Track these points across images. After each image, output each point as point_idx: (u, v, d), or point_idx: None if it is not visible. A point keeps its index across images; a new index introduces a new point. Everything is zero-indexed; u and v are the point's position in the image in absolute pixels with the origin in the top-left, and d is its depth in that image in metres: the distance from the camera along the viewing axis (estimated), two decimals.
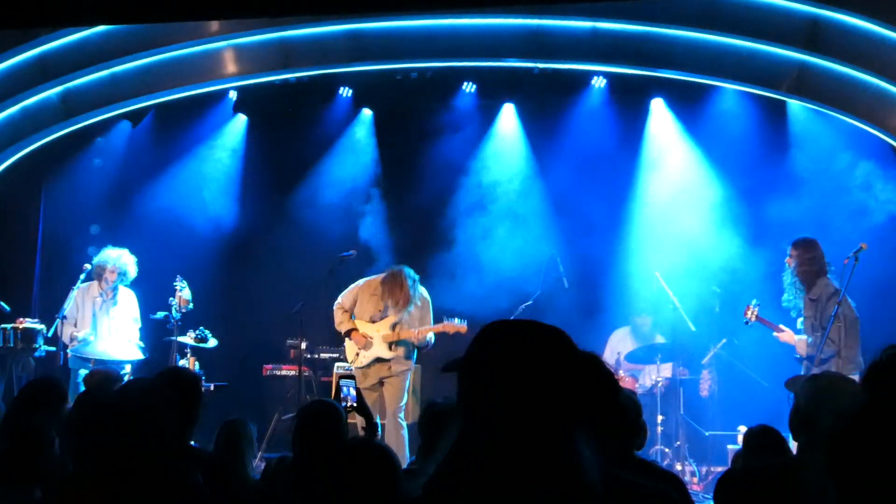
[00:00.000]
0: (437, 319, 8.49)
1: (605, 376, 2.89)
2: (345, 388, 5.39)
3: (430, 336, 8.43)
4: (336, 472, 2.84)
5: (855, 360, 7.41)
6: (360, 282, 8.68)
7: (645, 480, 2.17)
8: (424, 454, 4.44)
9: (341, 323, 8.55)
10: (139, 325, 9.11)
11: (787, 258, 7.93)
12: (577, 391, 1.88)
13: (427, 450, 4.42)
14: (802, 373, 7.63)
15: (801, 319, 7.89)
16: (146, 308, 9.25)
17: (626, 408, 3.47)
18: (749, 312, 7.96)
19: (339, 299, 8.62)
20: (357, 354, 8.47)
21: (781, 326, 7.92)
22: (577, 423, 1.87)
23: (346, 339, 8.58)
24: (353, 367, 8.54)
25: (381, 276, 8.53)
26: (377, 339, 8.37)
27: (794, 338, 7.84)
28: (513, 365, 1.86)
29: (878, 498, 1.70)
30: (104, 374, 6.47)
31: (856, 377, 7.18)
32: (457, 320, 8.38)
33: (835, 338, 7.41)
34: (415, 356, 8.53)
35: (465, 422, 1.90)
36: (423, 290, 8.53)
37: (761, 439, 4.49)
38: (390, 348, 8.34)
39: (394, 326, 8.36)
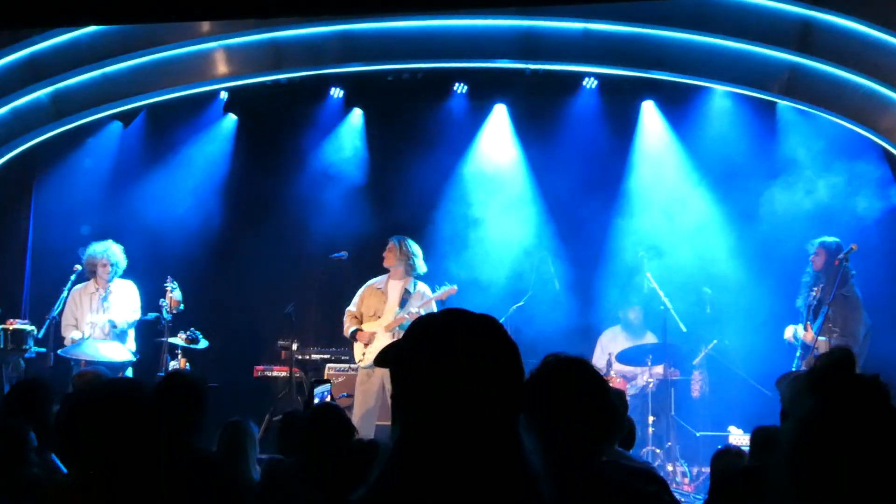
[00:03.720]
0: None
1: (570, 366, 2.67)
2: (318, 396, 5.36)
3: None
4: (334, 473, 2.82)
5: None
6: (364, 285, 8.80)
7: (628, 480, 2.16)
8: None
9: (348, 327, 8.67)
10: (139, 315, 9.06)
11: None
12: (512, 379, 1.76)
13: None
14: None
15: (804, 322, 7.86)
16: None
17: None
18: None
19: (349, 307, 8.75)
20: (364, 354, 8.52)
21: (808, 325, 7.90)
22: (517, 414, 1.76)
23: (353, 339, 8.64)
24: (359, 367, 8.60)
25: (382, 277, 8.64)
26: (380, 332, 8.47)
27: (818, 339, 7.74)
28: (441, 359, 1.74)
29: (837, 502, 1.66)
30: (93, 374, 6.45)
31: None
32: (446, 284, 8.50)
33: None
34: None
35: (400, 426, 1.78)
36: (419, 284, 8.62)
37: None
38: (393, 336, 8.39)
39: (401, 305, 8.44)
